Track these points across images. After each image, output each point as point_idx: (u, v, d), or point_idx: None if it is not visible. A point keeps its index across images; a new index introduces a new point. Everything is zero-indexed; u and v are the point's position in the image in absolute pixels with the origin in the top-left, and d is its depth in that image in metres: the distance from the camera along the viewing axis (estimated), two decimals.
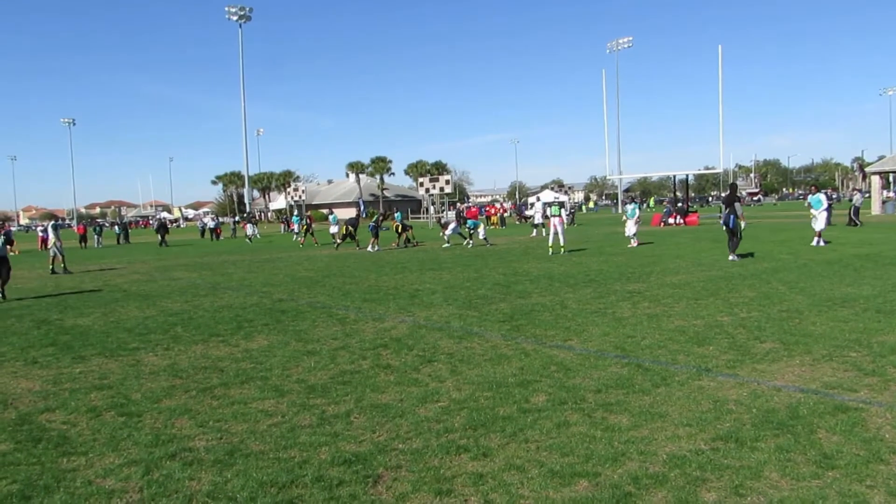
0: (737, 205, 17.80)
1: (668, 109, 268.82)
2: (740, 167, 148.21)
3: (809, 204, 22.07)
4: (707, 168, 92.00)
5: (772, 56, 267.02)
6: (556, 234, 22.31)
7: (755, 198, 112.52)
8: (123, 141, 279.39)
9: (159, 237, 40.98)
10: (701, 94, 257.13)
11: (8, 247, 37.75)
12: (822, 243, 20.90)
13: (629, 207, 25.21)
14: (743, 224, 18.04)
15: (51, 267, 22.08)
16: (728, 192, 19.33)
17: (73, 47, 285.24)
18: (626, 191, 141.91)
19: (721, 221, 18.57)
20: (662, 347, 7.91)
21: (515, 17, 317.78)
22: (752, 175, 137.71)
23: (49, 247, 22.43)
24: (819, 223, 21.43)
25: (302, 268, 20.76)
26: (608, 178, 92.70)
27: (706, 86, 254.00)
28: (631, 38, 77.41)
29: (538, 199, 41.39)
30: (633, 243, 23.67)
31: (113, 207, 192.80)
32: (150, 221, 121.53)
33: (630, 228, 24.05)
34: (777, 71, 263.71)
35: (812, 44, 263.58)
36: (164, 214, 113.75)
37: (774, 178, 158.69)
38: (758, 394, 5.97)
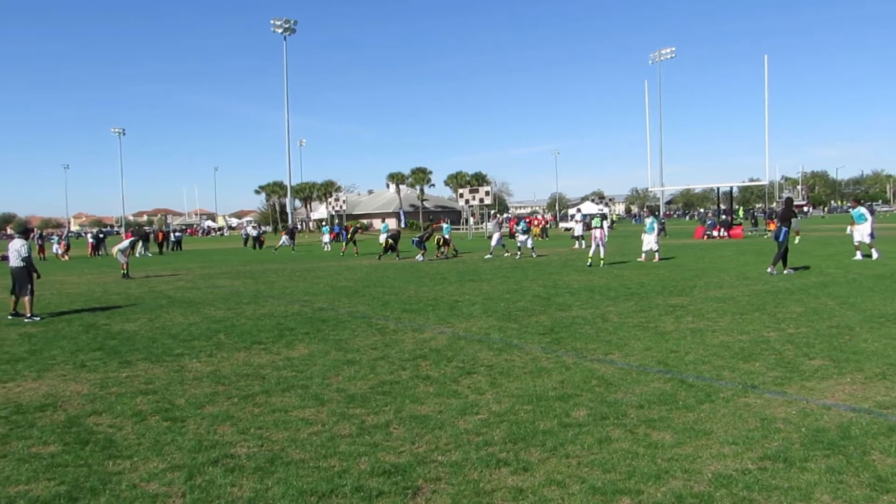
0: (793, 220, 17.54)
1: (712, 120, 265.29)
2: (787, 179, 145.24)
3: (852, 219, 21.65)
4: (752, 180, 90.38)
5: (819, 65, 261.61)
6: (597, 245, 22.08)
7: (803, 209, 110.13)
8: (170, 150, 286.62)
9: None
10: (746, 105, 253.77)
11: (41, 254, 38.32)
12: (876, 255, 20.41)
13: (648, 221, 24.41)
14: (797, 239, 17.77)
15: (124, 272, 22.82)
16: (783, 206, 18.97)
17: (123, 58, 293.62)
18: (669, 202, 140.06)
19: (772, 236, 18.27)
20: (707, 363, 7.75)
21: (557, 28, 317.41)
22: (798, 187, 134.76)
23: (115, 256, 23.85)
24: (863, 236, 20.94)
25: (342, 277, 20.93)
26: (650, 189, 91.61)
27: (751, 96, 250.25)
28: (674, 49, 76.71)
29: (578, 211, 41.06)
30: (649, 258, 22.88)
31: (159, 215, 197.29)
32: (196, 229, 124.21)
33: (648, 243, 23.19)
34: (825, 80, 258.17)
35: (861, 52, 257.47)
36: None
37: (822, 190, 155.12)
38: (807, 412, 5.80)
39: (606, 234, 22.77)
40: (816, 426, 5.42)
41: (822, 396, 6.27)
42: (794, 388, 6.60)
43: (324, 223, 47.33)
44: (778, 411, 5.85)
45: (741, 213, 56.56)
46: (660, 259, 22.91)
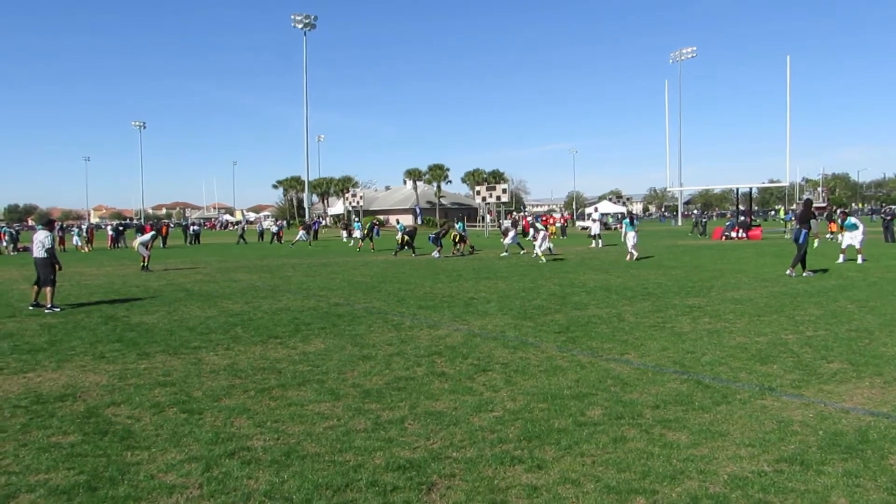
0: (813, 221, 17.52)
1: (733, 120, 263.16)
2: (807, 181, 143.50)
3: (842, 227, 22.62)
4: (772, 181, 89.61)
5: (842, 66, 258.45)
6: (541, 242, 24.95)
7: (833, 212, 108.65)
8: (190, 144, 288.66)
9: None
10: (767, 105, 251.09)
11: (61, 246, 38.48)
12: (861, 260, 20.98)
13: (625, 223, 26.43)
14: (817, 242, 17.67)
15: (143, 264, 23.03)
16: (802, 208, 18.94)
17: (145, 52, 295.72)
18: (687, 203, 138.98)
19: (792, 237, 18.18)
20: (723, 364, 7.70)
21: (576, 27, 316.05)
22: (819, 189, 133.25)
23: (135, 249, 24.01)
24: (856, 241, 21.55)
25: (358, 273, 21.00)
26: (668, 189, 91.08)
27: (773, 96, 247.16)
28: (695, 49, 76.23)
29: (595, 210, 41.01)
30: (630, 256, 24.19)
31: (178, 209, 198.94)
32: (214, 222, 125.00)
33: (630, 239, 24.86)
34: (848, 81, 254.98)
35: (885, 53, 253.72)
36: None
37: (843, 193, 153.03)
38: (824, 415, 5.75)
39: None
40: (834, 429, 5.38)
41: (841, 400, 6.22)
42: (812, 391, 6.55)
43: (356, 219, 47.02)
44: (795, 414, 5.80)
45: (782, 213, 54.88)
46: (633, 259, 23.84)
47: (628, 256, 24.25)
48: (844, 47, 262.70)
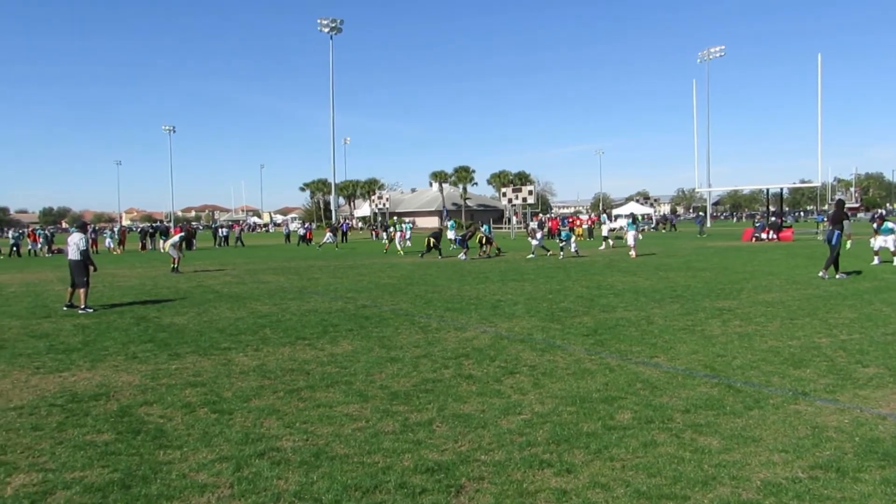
0: (845, 222, 17.30)
1: (763, 120, 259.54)
2: (839, 180, 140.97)
3: (876, 230, 22.77)
4: (803, 181, 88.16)
5: (875, 63, 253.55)
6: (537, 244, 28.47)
7: (860, 213, 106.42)
8: (219, 148, 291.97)
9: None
10: (798, 104, 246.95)
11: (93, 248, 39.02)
12: None
13: (628, 222, 33.07)
14: (850, 243, 17.42)
15: (173, 266, 23.28)
16: (835, 209, 18.68)
17: (175, 58, 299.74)
18: (716, 203, 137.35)
19: (824, 238, 17.89)
20: (755, 368, 7.59)
21: (603, 27, 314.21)
22: (852, 189, 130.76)
23: (166, 251, 24.74)
24: (890, 243, 21.65)
25: (385, 275, 21.06)
26: (697, 190, 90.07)
27: (804, 95, 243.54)
28: (723, 47, 75.32)
29: (605, 213, 41.47)
30: (627, 251, 27.14)
31: (207, 211, 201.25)
32: (242, 225, 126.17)
33: (631, 238, 27.77)
34: (882, 78, 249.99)
35: None
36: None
37: (877, 193, 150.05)
38: (860, 421, 5.64)
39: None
40: (871, 436, 5.27)
41: (877, 405, 6.09)
42: (847, 396, 6.42)
43: (406, 221, 46.88)
44: (830, 419, 5.70)
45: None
46: (636, 256, 26.25)
47: (631, 253, 26.54)
48: (876, 44, 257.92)
